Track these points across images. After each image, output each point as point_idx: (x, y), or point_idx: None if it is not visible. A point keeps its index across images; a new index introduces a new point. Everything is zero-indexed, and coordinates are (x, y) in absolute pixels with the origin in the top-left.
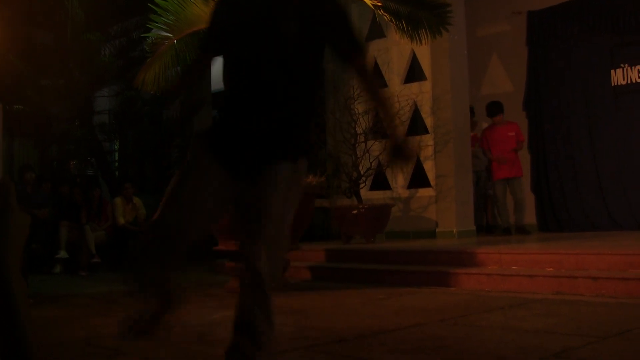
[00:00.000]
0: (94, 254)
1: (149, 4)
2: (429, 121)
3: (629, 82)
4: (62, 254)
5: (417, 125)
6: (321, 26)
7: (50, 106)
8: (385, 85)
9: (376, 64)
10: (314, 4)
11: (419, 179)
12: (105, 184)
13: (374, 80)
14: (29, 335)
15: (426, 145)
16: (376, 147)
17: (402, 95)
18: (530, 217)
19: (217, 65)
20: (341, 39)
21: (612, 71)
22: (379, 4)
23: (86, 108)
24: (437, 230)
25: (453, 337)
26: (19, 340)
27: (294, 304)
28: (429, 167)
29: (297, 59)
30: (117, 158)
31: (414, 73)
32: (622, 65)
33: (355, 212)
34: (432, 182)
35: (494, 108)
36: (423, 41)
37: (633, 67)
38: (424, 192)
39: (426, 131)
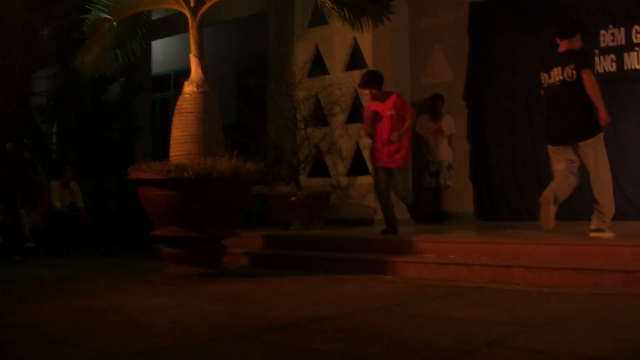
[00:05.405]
0: (28, 238)
1: None
2: None
3: None
4: None
5: (357, 113)
6: None
7: None
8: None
9: (318, 51)
10: None
11: (358, 167)
12: (41, 167)
13: None
14: None
15: None
16: (316, 134)
17: (344, 82)
18: (468, 205)
19: (160, 50)
20: None
21: None
22: None
23: (24, 89)
24: (375, 218)
25: (389, 325)
26: None
27: (231, 291)
28: (368, 155)
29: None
30: (54, 141)
31: (355, 61)
32: None
33: (294, 199)
34: (372, 170)
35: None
36: (365, 29)
37: None
38: (363, 180)
39: None
